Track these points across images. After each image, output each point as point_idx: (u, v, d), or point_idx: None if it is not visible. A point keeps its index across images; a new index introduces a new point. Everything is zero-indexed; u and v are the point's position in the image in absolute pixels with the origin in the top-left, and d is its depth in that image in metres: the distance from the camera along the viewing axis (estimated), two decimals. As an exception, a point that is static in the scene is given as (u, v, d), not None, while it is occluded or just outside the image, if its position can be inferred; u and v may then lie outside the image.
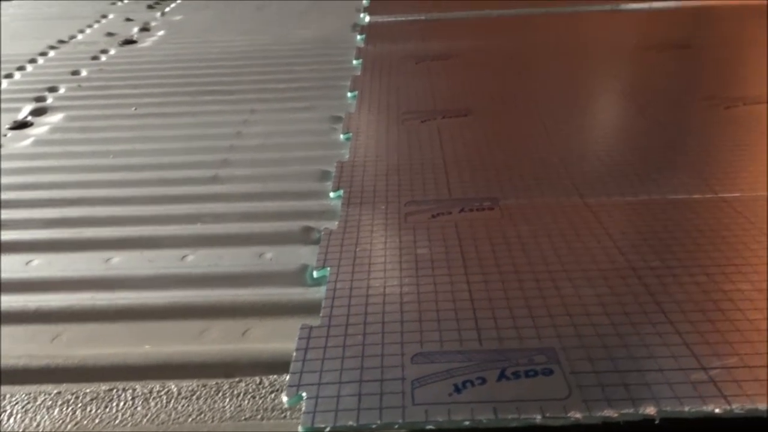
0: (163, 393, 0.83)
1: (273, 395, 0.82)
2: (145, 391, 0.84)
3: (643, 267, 0.99)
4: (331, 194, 1.30)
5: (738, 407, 0.70)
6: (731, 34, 2.23)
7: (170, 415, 0.80)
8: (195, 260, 1.12)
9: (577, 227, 1.12)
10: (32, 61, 2.32)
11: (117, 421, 0.79)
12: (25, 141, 1.66)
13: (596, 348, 0.81)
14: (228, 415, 0.80)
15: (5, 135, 1.69)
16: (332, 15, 2.72)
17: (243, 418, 0.80)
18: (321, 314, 0.90)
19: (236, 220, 1.24)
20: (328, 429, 0.70)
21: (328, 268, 1.02)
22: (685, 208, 1.17)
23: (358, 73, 1.99)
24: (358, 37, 2.37)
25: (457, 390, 0.74)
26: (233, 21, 2.73)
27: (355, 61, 2.11)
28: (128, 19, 2.84)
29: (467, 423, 0.70)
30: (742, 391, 0.73)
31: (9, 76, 2.16)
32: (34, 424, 0.79)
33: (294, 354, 0.82)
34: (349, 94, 1.83)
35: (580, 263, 1.01)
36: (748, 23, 2.32)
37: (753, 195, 1.21)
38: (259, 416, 0.80)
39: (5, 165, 1.49)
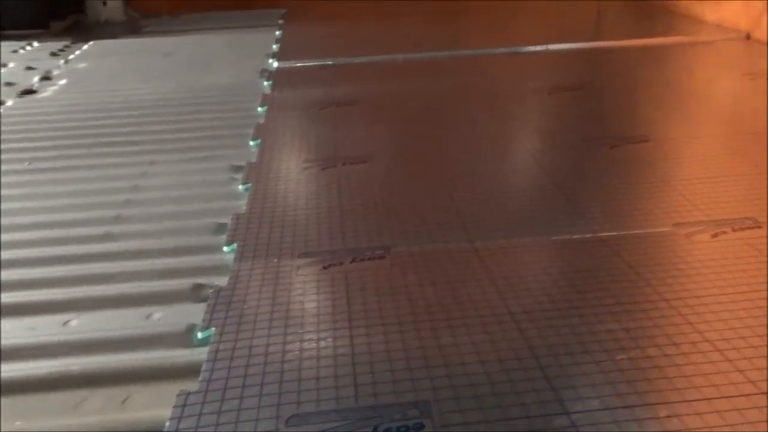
0: (31, 472, 0.80)
1: (148, 467, 0.80)
2: (12, 472, 0.80)
3: (520, 311, 1.02)
4: (225, 248, 1.29)
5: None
6: (622, 75, 2.37)
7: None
8: (78, 326, 1.09)
9: (462, 273, 1.15)
10: None
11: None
12: None
13: (468, 398, 0.83)
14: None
15: None
16: (242, 61, 2.73)
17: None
18: (200, 378, 0.89)
19: (126, 279, 1.22)
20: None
21: (213, 329, 1.01)
22: (566, 249, 1.22)
23: (263, 121, 2.00)
24: (266, 83, 2.39)
25: (330, 451, 0.75)
26: (140, 68, 2.70)
27: (260, 108, 2.12)
28: (29, 68, 2.77)
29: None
30: (600, 434, 0.76)
31: None
32: None
33: (167, 424, 0.81)
34: (251, 143, 1.84)
35: (462, 310, 1.04)
36: (639, 64, 2.46)
37: (629, 233, 1.28)
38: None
39: None
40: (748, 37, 2.65)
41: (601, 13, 3.54)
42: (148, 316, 1.11)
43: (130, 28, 3.56)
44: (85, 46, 3.14)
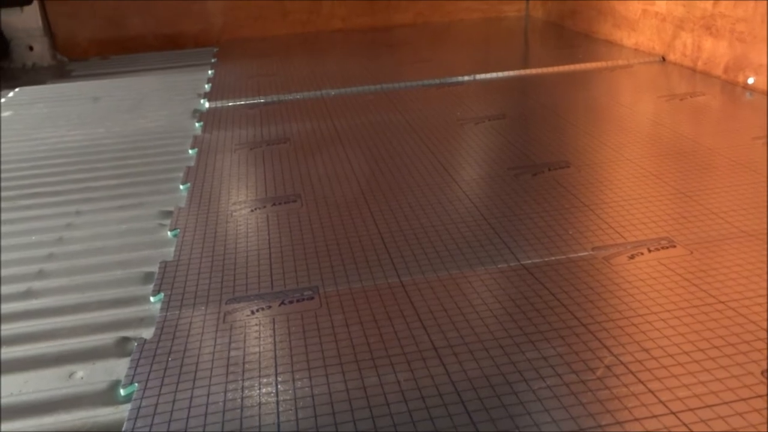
0: None
1: None
2: None
3: (444, 345, 1.04)
4: (152, 299, 1.28)
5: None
6: (546, 102, 2.45)
7: None
8: (-4, 390, 1.06)
9: (389, 310, 1.17)
10: None
11: None
12: None
13: (391, 439, 0.84)
14: None
15: None
16: (173, 102, 2.71)
17: None
18: (120, 439, 0.88)
19: (47, 338, 1.19)
20: None
21: (136, 384, 0.99)
22: (490, 280, 1.25)
23: (193, 164, 1.99)
24: (197, 124, 2.38)
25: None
26: (67, 114, 2.66)
27: (191, 151, 2.11)
28: (-49, 119, 2.69)
29: None
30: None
31: None
32: None
33: (84, 489, 0.79)
34: (181, 187, 1.83)
35: (388, 348, 1.05)
36: (562, 90, 2.56)
37: (551, 260, 1.32)
38: None
39: None
40: (663, 59, 2.78)
41: (527, 42, 3.66)
42: (70, 375, 1.09)
43: (59, 73, 3.50)
44: (11, 93, 3.07)
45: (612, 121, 2.16)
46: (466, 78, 2.73)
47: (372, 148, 2.03)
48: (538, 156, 1.87)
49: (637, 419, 0.85)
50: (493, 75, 2.76)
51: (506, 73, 2.78)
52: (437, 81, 2.71)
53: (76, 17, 3.72)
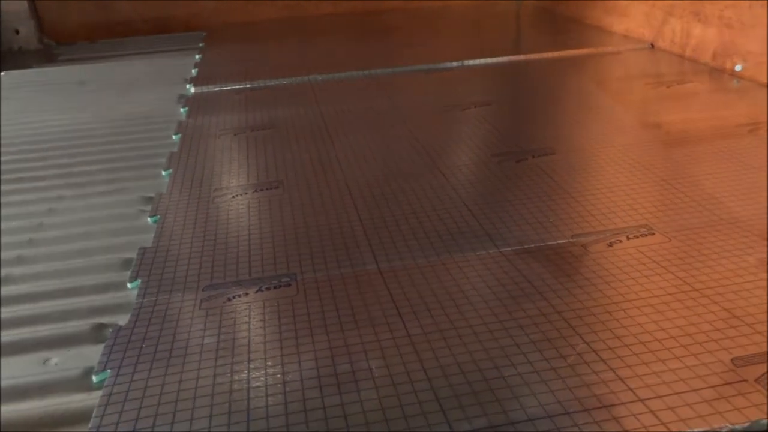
0: None
1: None
2: None
3: (419, 333, 1.05)
4: (129, 285, 1.28)
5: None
6: (534, 88, 2.44)
7: None
8: (-30, 376, 1.06)
9: (366, 297, 1.17)
10: None
11: None
12: None
13: (359, 426, 0.84)
14: None
15: None
16: (159, 87, 2.69)
17: None
18: (90, 425, 0.88)
19: (23, 324, 1.19)
20: None
21: (108, 371, 1.00)
22: (467, 267, 1.25)
23: (176, 149, 1.98)
24: (182, 110, 2.37)
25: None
26: (52, 98, 2.64)
27: (174, 136, 2.10)
28: (-66, 103, 2.67)
29: None
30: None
31: None
32: None
33: (52, 475, 0.79)
34: (164, 173, 1.82)
35: (362, 335, 1.05)
36: (551, 76, 2.55)
37: (531, 247, 1.32)
38: None
39: None
40: (652, 46, 2.77)
41: (518, 28, 3.64)
42: (44, 362, 1.09)
43: (45, 56, 3.47)
44: (-4, 78, 3.05)
45: (599, 108, 2.16)
46: (454, 64, 2.72)
47: (357, 134, 2.02)
48: (524, 143, 1.86)
49: (604, 406, 0.86)
50: (482, 61, 2.75)
51: (495, 59, 2.77)
52: (426, 67, 2.70)
53: (64, 0, 3.68)
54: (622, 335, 1.02)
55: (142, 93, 2.65)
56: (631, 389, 0.89)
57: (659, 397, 0.87)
